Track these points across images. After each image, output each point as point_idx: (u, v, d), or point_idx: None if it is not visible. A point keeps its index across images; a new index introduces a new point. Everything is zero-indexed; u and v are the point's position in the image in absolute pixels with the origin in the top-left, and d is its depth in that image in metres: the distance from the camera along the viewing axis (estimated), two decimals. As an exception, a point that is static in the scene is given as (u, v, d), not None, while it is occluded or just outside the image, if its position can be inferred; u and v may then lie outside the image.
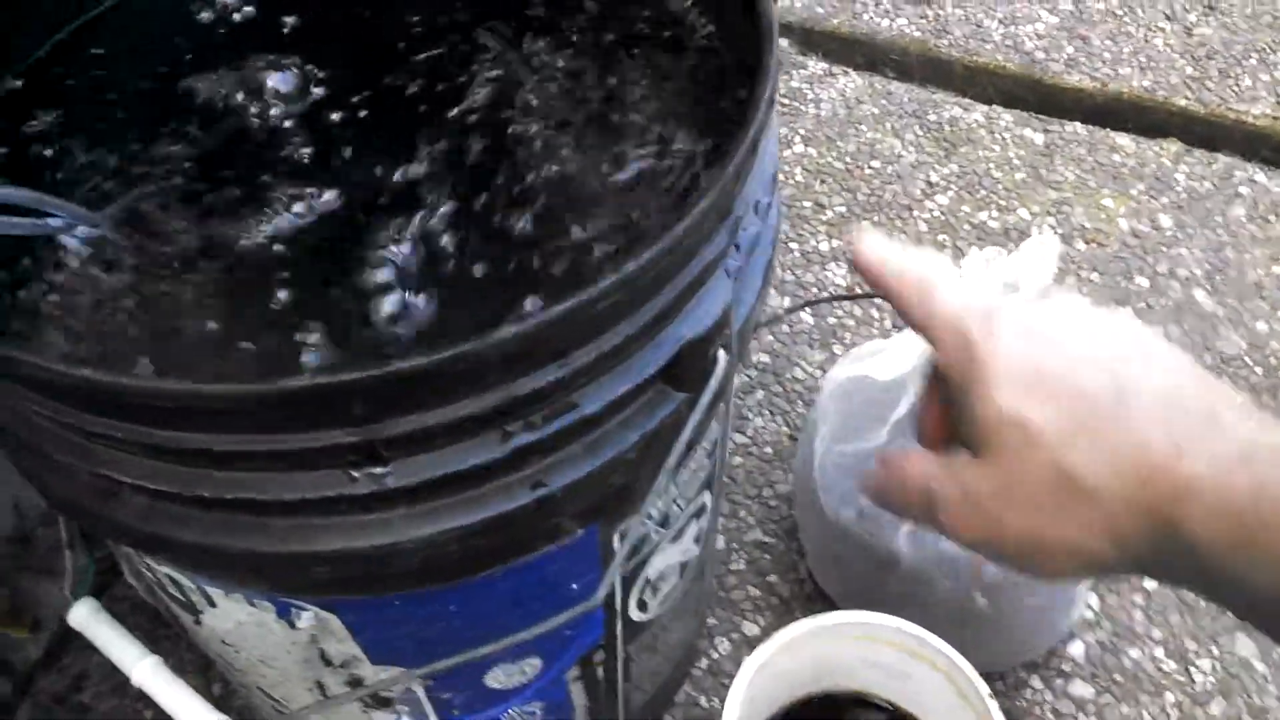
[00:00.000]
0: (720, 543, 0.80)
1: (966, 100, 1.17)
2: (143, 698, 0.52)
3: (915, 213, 1.05)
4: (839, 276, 1.00)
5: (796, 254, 1.01)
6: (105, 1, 0.53)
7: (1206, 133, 1.12)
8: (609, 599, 0.49)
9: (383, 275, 0.41)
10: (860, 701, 0.63)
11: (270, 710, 0.57)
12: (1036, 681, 0.74)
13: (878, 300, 0.96)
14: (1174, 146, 1.11)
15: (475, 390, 0.33)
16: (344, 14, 0.54)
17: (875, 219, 1.05)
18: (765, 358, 0.93)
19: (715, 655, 0.75)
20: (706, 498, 0.53)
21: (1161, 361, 0.34)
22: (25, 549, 0.71)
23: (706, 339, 0.38)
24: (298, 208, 0.44)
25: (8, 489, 0.69)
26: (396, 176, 0.45)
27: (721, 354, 0.39)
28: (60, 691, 0.74)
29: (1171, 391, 0.33)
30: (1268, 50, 1.20)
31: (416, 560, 0.36)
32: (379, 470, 0.34)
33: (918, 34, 1.23)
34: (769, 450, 0.86)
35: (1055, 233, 1.03)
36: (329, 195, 0.44)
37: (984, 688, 0.56)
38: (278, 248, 0.43)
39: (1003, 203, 1.06)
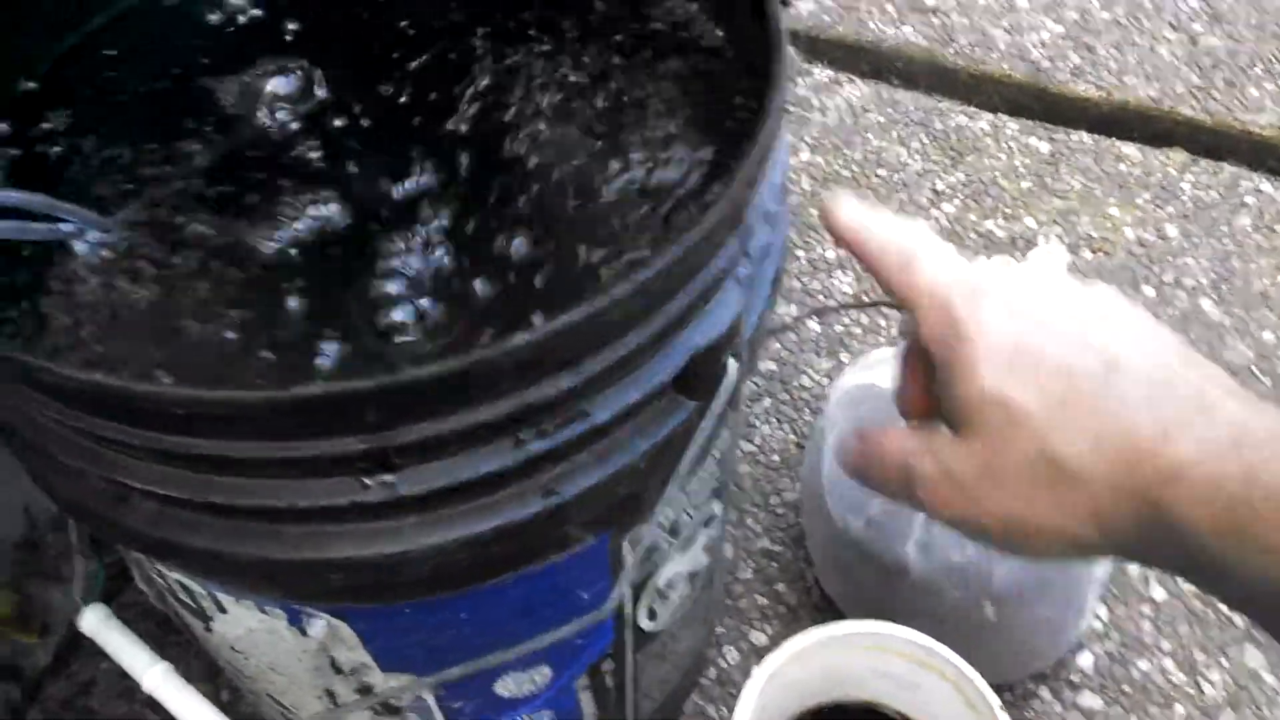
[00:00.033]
0: (728, 551, 0.80)
1: (972, 109, 1.17)
2: (151, 704, 0.52)
3: (922, 221, 1.05)
4: (846, 284, 1.00)
5: (803, 262, 1.01)
6: (119, 4, 0.53)
7: (1212, 142, 1.12)
8: (619, 608, 0.49)
9: (394, 283, 0.41)
10: (870, 712, 0.62)
11: (279, 717, 0.56)
12: (1045, 692, 0.73)
13: (885, 309, 0.96)
14: (1180, 156, 1.11)
15: (487, 398, 0.33)
16: (357, 16, 0.54)
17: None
18: (772, 365, 0.93)
19: (724, 664, 0.75)
20: (716, 506, 0.53)
21: (1149, 341, 0.33)
22: (35, 554, 0.71)
23: (718, 347, 0.37)
24: (311, 213, 0.44)
25: (18, 494, 0.69)
26: (408, 184, 0.45)
27: (732, 362, 0.39)
28: (68, 697, 0.74)
29: (1159, 372, 0.32)
30: (1273, 60, 1.20)
31: (428, 567, 0.36)
32: (391, 478, 0.34)
33: (923, 42, 1.23)
34: (776, 458, 0.86)
35: (1061, 242, 1.02)
36: (339, 203, 0.44)
37: (993, 698, 0.55)
38: (290, 253, 0.43)
39: (1009, 211, 1.06)
